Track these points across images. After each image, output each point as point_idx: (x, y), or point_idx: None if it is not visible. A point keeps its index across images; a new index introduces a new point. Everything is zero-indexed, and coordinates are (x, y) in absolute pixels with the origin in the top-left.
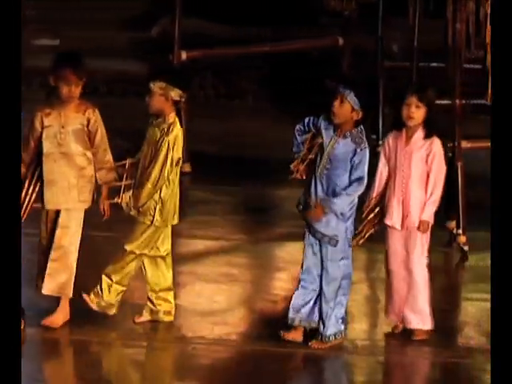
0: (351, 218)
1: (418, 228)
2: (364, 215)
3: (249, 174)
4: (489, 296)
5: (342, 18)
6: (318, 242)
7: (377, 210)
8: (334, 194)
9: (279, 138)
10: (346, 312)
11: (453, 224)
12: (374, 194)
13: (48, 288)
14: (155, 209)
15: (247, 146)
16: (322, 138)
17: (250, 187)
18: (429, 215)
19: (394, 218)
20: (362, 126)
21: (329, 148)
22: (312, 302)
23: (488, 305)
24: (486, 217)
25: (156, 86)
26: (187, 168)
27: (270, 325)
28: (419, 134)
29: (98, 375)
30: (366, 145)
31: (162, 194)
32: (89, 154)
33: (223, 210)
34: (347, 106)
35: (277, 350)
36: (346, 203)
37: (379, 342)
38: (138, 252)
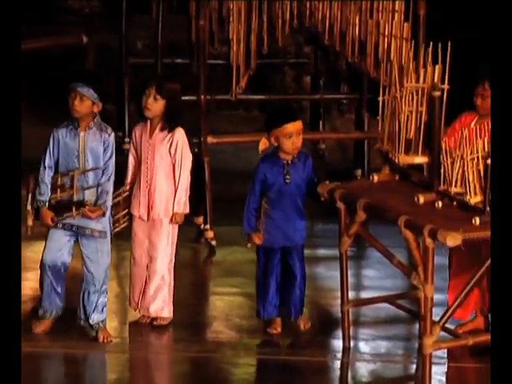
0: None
1: (171, 220)
2: (115, 202)
3: None
4: (237, 290)
5: (85, 16)
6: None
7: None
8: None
9: (29, 140)
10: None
11: (200, 219)
12: (128, 187)
13: None
14: None
15: None
16: (66, 144)
17: None
18: (182, 206)
19: (139, 209)
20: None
21: (81, 145)
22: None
23: (236, 299)
24: (232, 212)
25: None
26: None
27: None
28: (160, 126)
29: None
30: (111, 131)
31: None
32: None
33: None
34: (88, 102)
35: (29, 350)
36: (109, 191)
37: (127, 339)
38: None
